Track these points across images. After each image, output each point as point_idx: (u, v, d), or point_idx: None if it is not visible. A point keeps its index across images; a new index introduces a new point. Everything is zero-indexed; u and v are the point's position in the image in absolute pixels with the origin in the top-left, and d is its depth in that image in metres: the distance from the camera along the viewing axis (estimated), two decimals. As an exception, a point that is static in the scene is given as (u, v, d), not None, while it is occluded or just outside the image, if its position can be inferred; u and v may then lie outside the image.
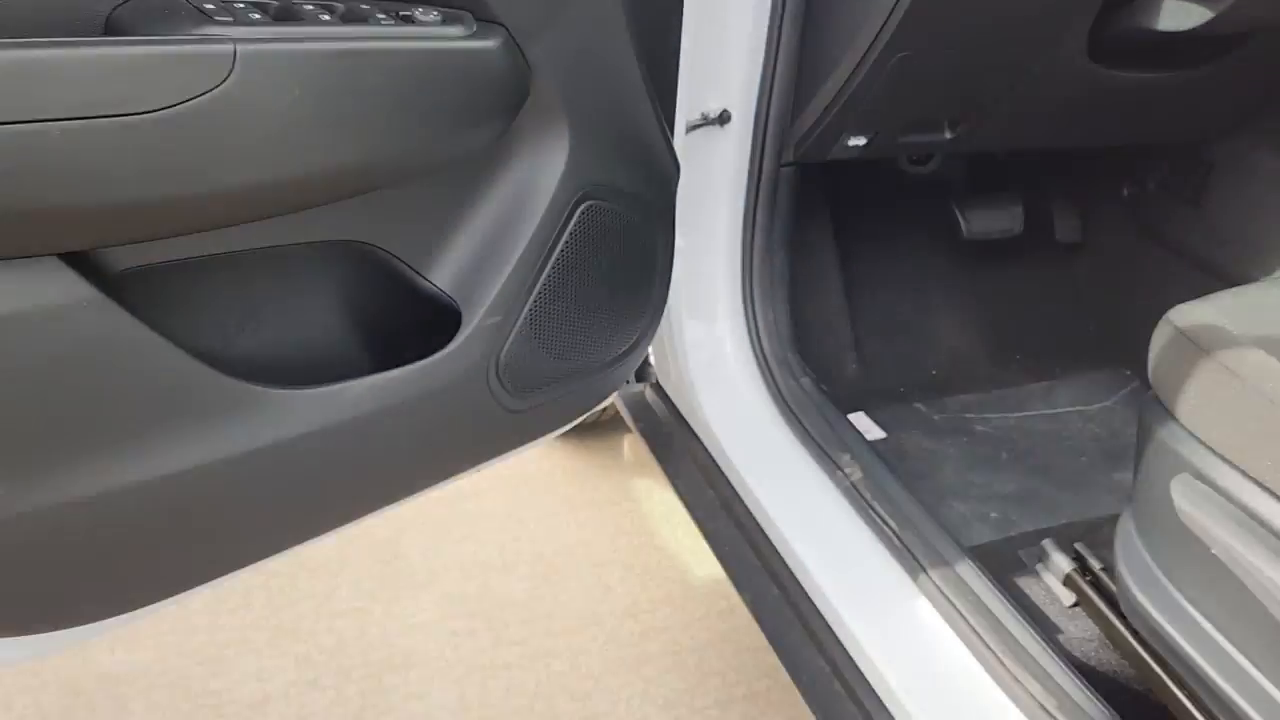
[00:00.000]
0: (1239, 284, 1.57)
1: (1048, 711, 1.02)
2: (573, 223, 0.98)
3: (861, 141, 1.41)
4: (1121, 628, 1.14)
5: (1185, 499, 0.95)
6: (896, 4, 1.18)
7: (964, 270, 1.80)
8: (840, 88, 1.31)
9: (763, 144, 1.36)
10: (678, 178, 1.14)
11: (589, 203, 0.98)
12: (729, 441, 1.40)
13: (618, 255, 1.05)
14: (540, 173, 0.96)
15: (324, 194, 0.80)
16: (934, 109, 1.39)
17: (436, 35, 0.82)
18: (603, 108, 0.97)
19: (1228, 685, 0.94)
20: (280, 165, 0.73)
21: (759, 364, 1.45)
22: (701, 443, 1.45)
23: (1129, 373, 1.74)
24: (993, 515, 1.43)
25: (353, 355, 0.97)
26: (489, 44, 0.83)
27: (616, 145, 1.02)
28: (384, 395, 0.89)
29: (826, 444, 1.34)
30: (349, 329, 0.99)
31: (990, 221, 1.71)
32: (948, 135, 1.43)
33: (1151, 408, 1.02)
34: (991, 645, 1.08)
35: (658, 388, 1.57)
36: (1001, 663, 1.06)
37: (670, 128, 1.10)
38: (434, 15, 0.83)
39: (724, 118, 1.36)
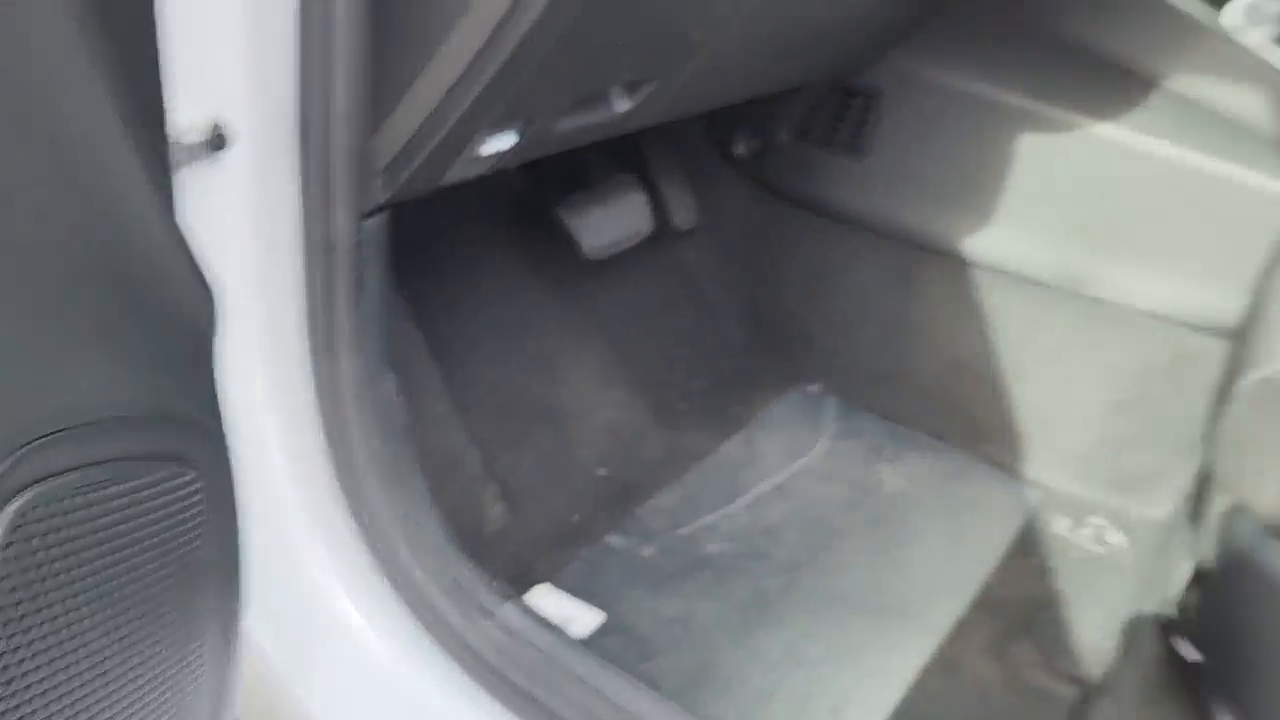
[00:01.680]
0: (924, 245, 1.23)
1: None
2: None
3: (508, 143, 0.72)
4: None
5: None
6: None
7: (592, 309, 1.20)
8: (479, 50, 0.61)
9: (324, 183, 0.62)
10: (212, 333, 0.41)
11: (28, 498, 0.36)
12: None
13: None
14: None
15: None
16: (613, 64, 0.75)
17: None
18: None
19: None
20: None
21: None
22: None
23: (815, 387, 1.30)
24: (823, 714, 0.88)
25: None
26: None
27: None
28: None
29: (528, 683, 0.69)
30: None
31: (613, 227, 1.13)
32: (621, 108, 0.80)
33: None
34: None
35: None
36: None
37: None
38: None
39: (216, 141, 0.60)
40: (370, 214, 0.67)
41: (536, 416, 1.11)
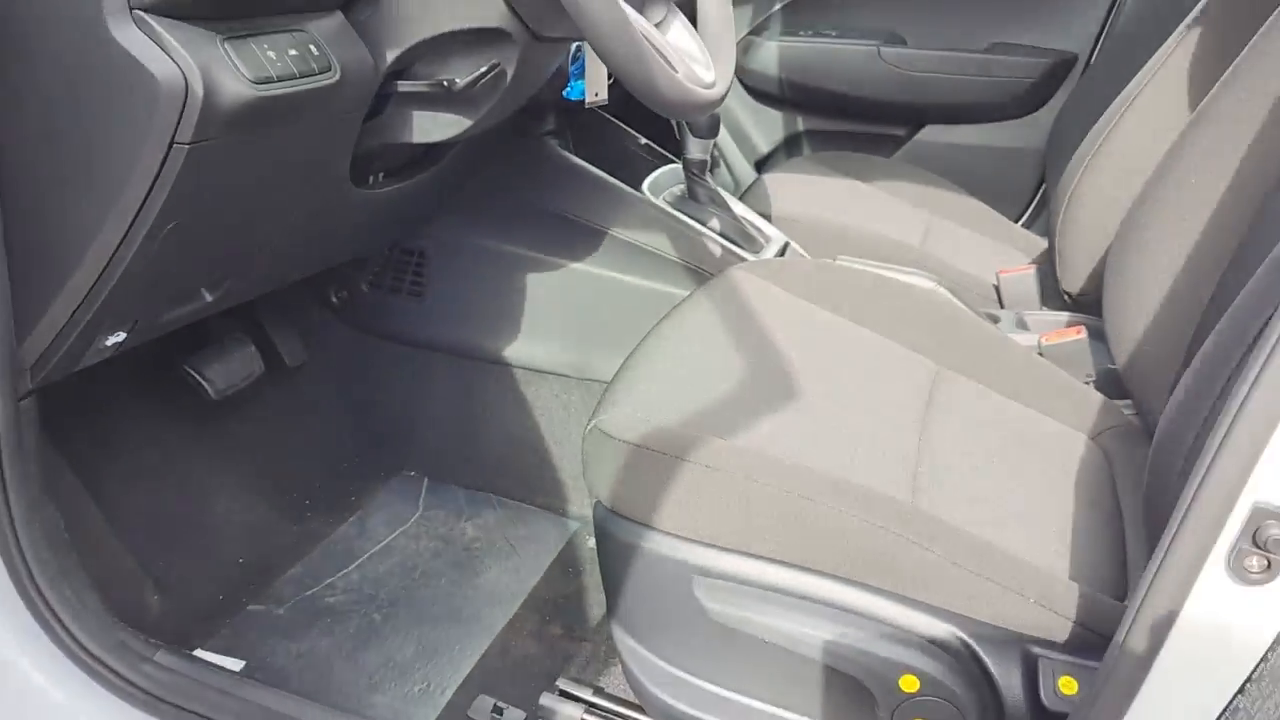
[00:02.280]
0: (477, 358, 1.66)
1: None
2: None
3: (121, 336, 1.07)
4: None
5: (718, 599, 0.96)
6: (164, 166, 0.91)
7: (220, 436, 1.53)
8: (95, 281, 0.97)
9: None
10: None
11: None
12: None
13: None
14: None
15: None
16: (198, 275, 1.13)
17: None
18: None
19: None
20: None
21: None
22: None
23: (413, 473, 1.70)
24: (418, 689, 1.27)
25: None
26: None
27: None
28: None
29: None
30: None
31: (232, 373, 1.48)
32: (209, 298, 1.18)
33: (620, 526, 1.00)
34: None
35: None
36: None
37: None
38: None
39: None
40: (23, 397, 1.00)
41: (186, 527, 1.43)
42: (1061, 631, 0.89)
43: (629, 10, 0.97)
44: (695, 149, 1.61)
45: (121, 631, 1.08)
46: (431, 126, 1.18)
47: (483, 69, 1.11)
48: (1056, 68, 2.19)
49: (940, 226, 1.91)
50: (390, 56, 1.10)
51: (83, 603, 1.06)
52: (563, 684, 1.24)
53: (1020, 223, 2.20)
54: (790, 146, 2.46)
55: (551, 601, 1.45)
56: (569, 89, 1.45)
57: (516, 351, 1.61)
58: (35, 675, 1.03)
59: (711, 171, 1.71)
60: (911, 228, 1.86)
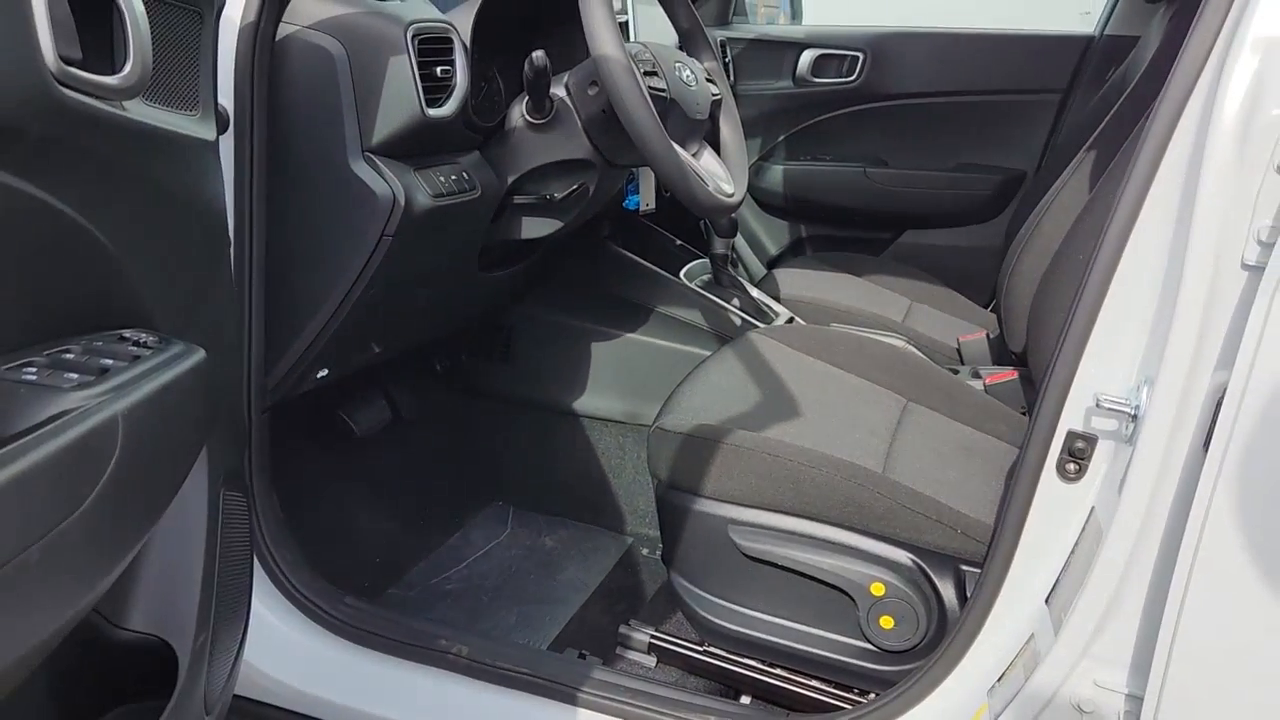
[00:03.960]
0: (552, 410, 2.13)
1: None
2: (220, 519, 0.99)
3: (325, 372, 1.54)
4: (704, 657, 1.54)
5: (746, 540, 1.39)
6: (375, 251, 1.39)
7: (361, 466, 1.98)
8: (320, 330, 1.44)
9: (248, 391, 1.41)
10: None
11: (224, 493, 1.01)
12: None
13: (240, 535, 1.08)
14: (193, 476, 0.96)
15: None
16: (374, 331, 1.60)
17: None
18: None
19: (801, 645, 1.41)
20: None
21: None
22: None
23: (501, 502, 2.14)
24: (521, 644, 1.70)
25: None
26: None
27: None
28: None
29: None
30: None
31: (370, 418, 1.94)
32: (376, 349, 1.65)
33: (676, 495, 1.44)
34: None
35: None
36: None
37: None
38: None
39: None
40: (264, 410, 1.46)
41: (337, 531, 1.87)
42: (979, 552, 1.32)
43: (675, 146, 1.47)
44: (719, 245, 2.11)
45: (321, 581, 1.52)
46: (534, 227, 1.67)
47: (573, 187, 1.61)
48: (1009, 182, 2.70)
49: (918, 308, 2.38)
50: (510, 179, 1.60)
51: (297, 560, 1.50)
52: (634, 623, 1.66)
53: (989, 308, 2.68)
54: (795, 249, 2.98)
55: (616, 590, 1.87)
56: (626, 200, 1.95)
57: (582, 404, 2.07)
58: (265, 614, 1.46)
59: (732, 267, 2.20)
60: (894, 307, 2.33)
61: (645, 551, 2.03)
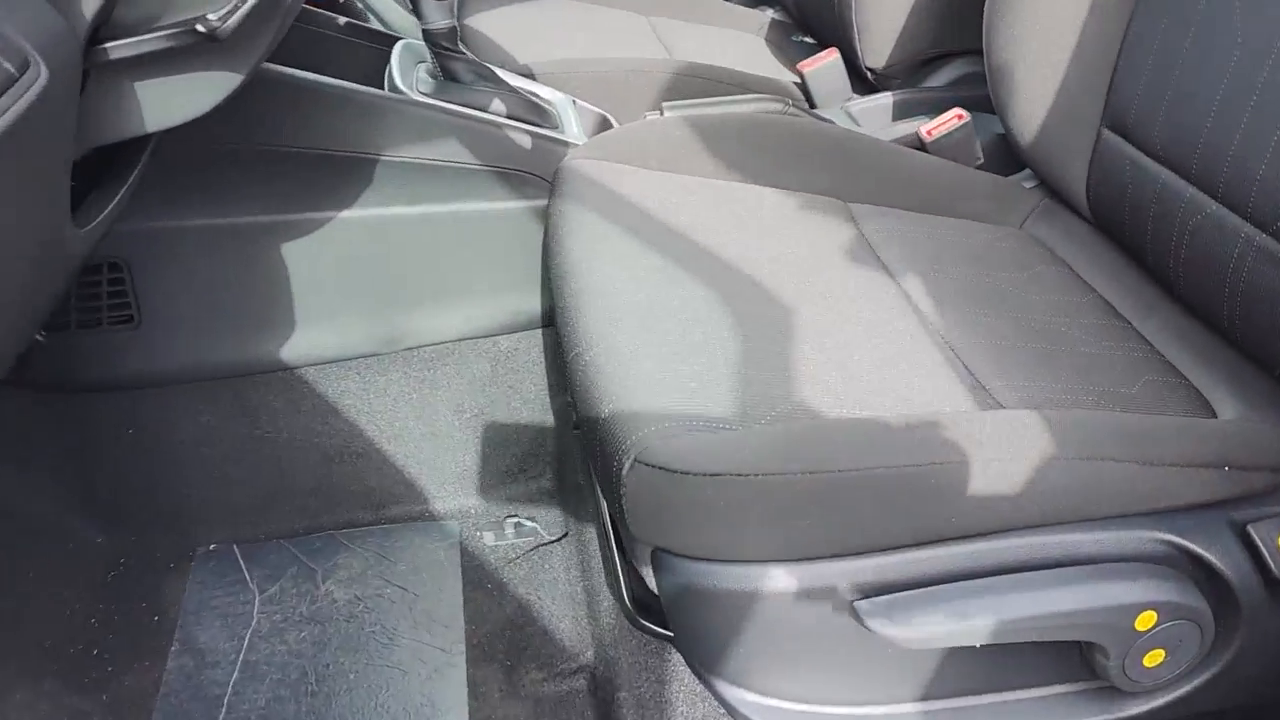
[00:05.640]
0: (248, 373, 1.21)
1: None
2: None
3: None
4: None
5: (881, 617, 0.73)
6: None
7: None
8: None
9: None
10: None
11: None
12: None
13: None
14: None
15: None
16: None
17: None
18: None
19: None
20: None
21: None
22: None
23: (214, 545, 1.26)
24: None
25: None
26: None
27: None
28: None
29: None
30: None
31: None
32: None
33: (717, 572, 0.74)
34: None
35: None
36: None
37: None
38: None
39: None
40: None
41: None
42: (1257, 482, 0.78)
43: None
44: (435, 13, 1.21)
45: None
46: (181, 99, 0.73)
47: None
48: None
49: (667, 29, 1.67)
50: (89, 11, 0.63)
51: None
52: None
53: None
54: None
55: (496, 633, 1.15)
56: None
57: (295, 348, 1.20)
58: None
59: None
60: (645, 41, 1.60)
61: (490, 537, 1.28)
